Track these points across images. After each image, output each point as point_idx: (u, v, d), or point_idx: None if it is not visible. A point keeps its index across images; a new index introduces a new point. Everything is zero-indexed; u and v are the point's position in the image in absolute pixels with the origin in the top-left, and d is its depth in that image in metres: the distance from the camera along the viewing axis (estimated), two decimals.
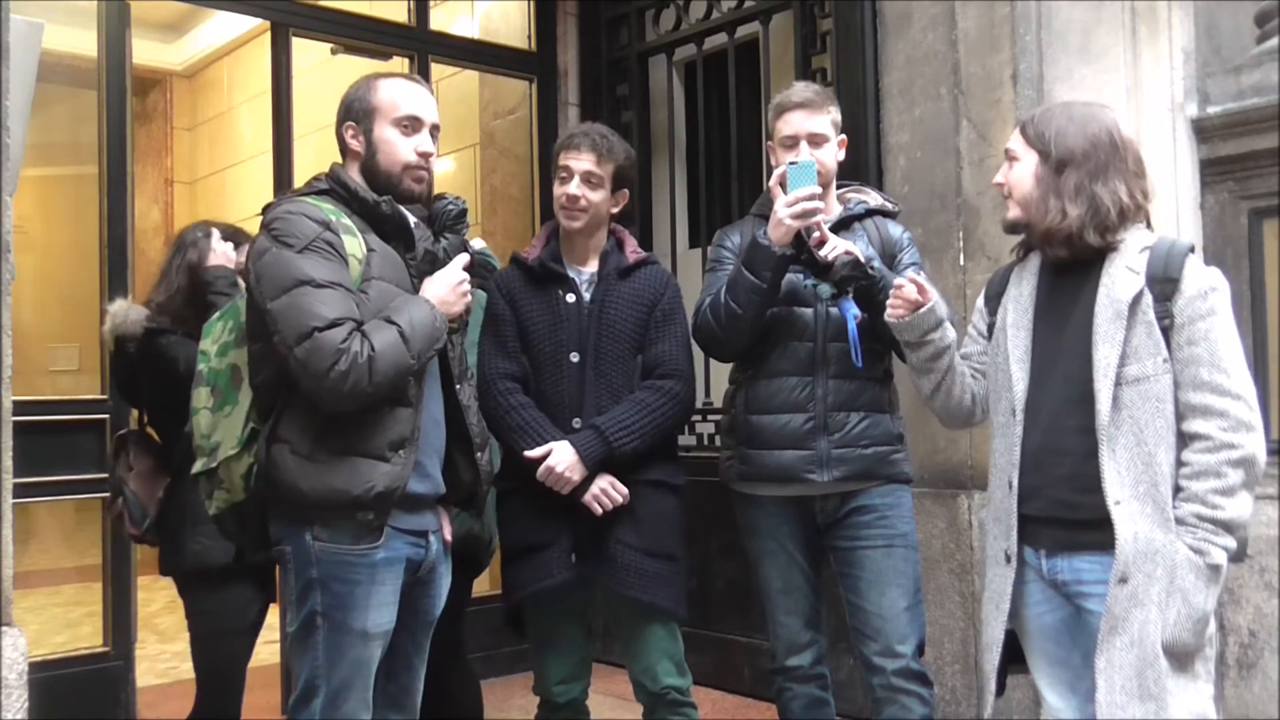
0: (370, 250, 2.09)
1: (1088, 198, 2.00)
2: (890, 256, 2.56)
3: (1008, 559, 2.06)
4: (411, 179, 2.18)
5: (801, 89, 2.58)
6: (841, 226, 2.56)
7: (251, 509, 2.11)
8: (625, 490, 2.48)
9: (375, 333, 1.98)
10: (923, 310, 2.17)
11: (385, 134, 2.16)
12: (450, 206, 2.31)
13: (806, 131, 2.50)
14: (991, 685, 2.10)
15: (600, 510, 2.46)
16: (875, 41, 3.59)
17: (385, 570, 2.06)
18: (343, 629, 2.02)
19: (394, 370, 1.99)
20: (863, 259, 2.37)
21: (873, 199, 2.68)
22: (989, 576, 2.13)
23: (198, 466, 2.14)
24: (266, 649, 4.54)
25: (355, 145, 2.19)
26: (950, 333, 2.23)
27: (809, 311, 2.52)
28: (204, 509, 2.44)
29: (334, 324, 1.94)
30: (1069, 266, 2.07)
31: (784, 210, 2.37)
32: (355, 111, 2.19)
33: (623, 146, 2.61)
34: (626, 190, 2.63)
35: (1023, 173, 2.08)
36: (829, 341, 2.50)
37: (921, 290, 2.17)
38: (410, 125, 2.17)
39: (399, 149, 2.16)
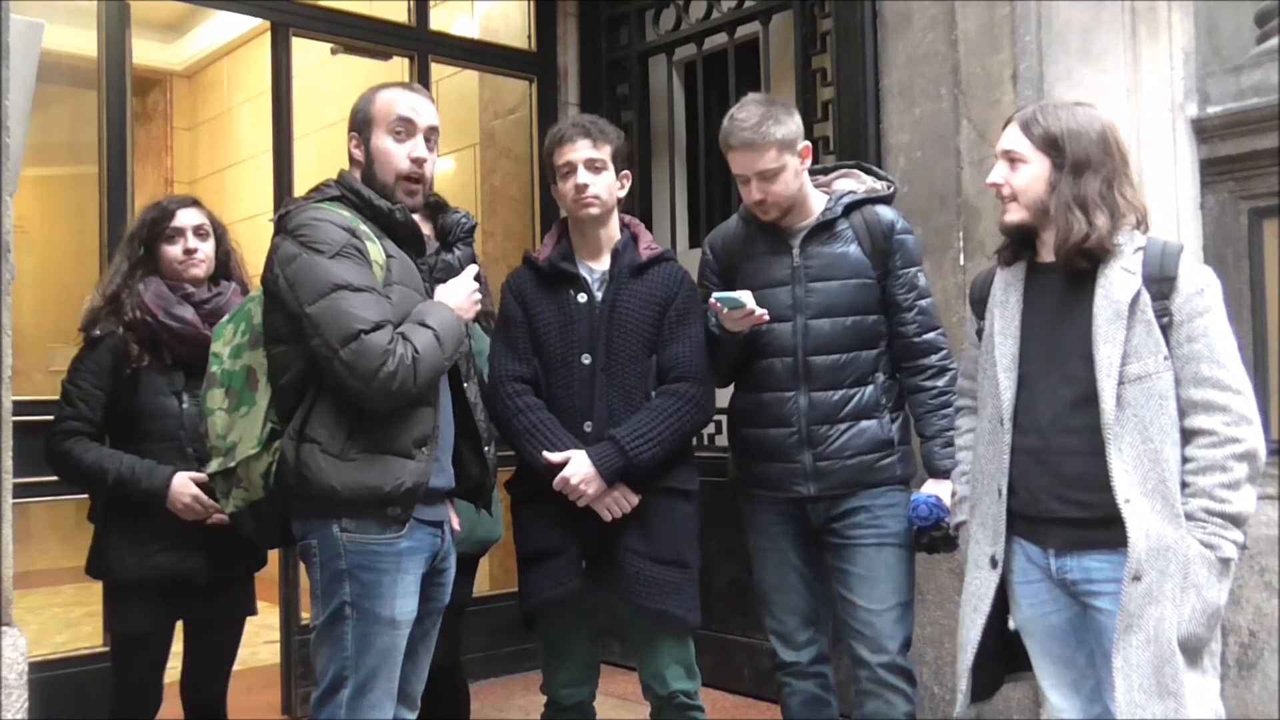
0: (390, 256, 2.15)
1: (1110, 206, 1.99)
2: (882, 254, 2.52)
3: (993, 564, 2.08)
4: (404, 191, 2.22)
5: (740, 122, 2.43)
6: (823, 230, 2.53)
7: (269, 507, 2.16)
8: (634, 497, 2.45)
9: (414, 335, 2.06)
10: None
11: (382, 143, 2.21)
12: (463, 220, 2.53)
13: (754, 171, 2.45)
14: (964, 684, 2.12)
15: (609, 517, 2.44)
16: (875, 41, 3.59)
17: (409, 559, 2.12)
18: (372, 617, 2.07)
19: (433, 370, 2.08)
20: (943, 523, 2.43)
21: (862, 185, 2.63)
22: (969, 579, 2.14)
23: (214, 466, 2.18)
24: (266, 649, 4.56)
25: (357, 155, 2.24)
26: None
27: (788, 327, 2.51)
28: (105, 522, 2.53)
29: (377, 326, 2.01)
30: (1059, 270, 2.06)
31: (731, 324, 2.44)
32: (356, 123, 2.24)
33: (613, 128, 2.59)
34: (627, 171, 2.61)
35: (1033, 177, 2.04)
36: (808, 356, 2.49)
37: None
38: (404, 130, 2.20)
39: (394, 158, 2.19)
